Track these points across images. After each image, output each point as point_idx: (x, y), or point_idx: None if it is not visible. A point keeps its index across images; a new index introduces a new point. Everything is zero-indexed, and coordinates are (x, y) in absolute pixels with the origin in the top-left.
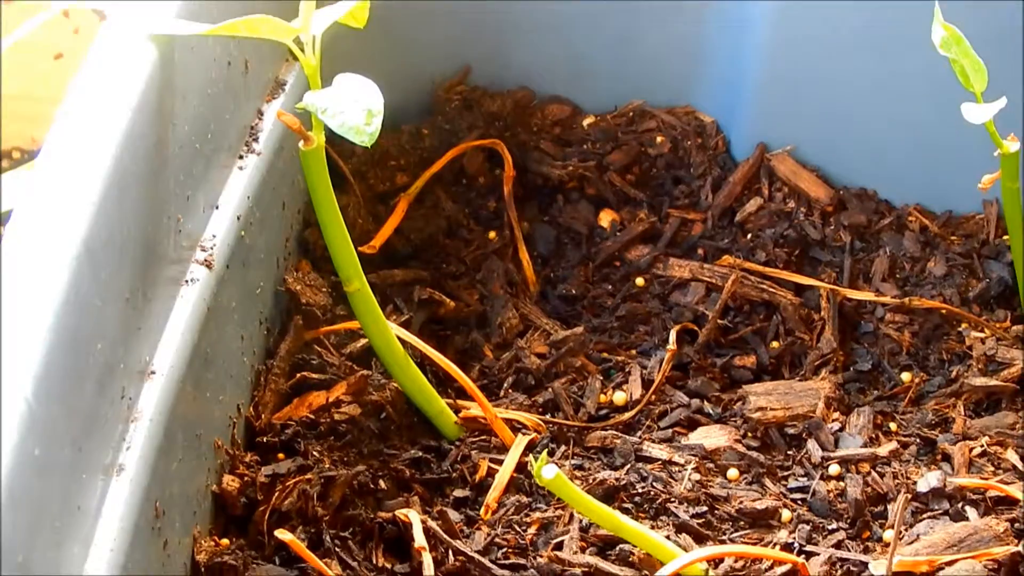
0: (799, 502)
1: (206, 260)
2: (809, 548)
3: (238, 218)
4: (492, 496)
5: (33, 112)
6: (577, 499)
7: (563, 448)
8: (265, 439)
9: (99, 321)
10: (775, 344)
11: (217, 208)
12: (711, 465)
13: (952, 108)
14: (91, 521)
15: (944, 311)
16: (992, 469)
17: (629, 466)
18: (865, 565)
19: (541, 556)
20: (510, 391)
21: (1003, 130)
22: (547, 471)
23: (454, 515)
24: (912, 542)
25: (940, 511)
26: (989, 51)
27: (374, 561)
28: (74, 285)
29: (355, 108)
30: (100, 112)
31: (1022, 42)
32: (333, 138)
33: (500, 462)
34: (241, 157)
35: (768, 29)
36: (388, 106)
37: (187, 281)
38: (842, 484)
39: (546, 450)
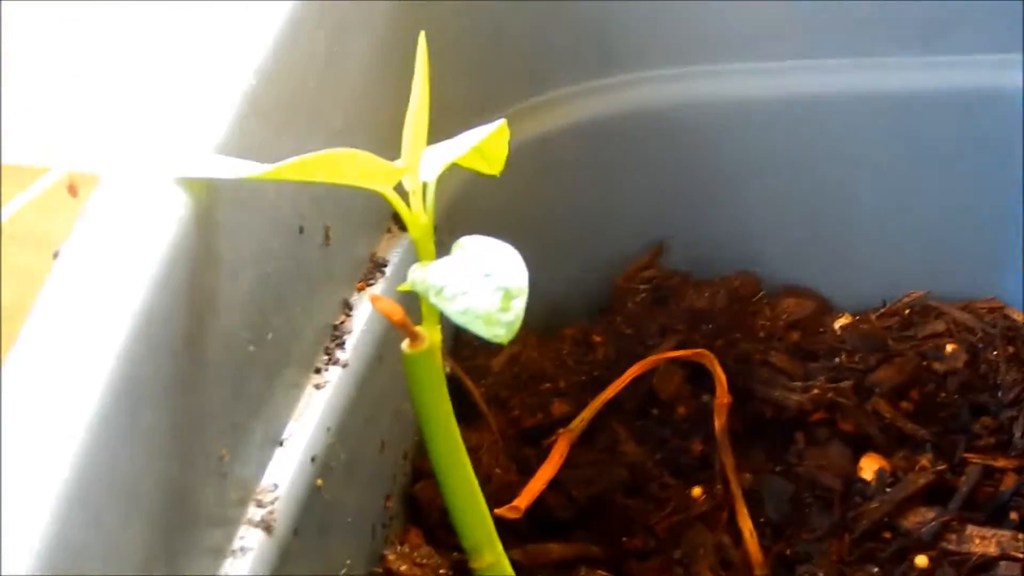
0: None
1: (264, 520)
2: None
3: (312, 459)
4: None
5: None
6: None
7: None
8: None
9: None
10: None
11: (281, 445)
12: None
13: None
14: None
15: None
16: None
17: None
18: None
19: None
20: None
21: None
22: None
23: None
24: None
25: None
26: None
27: None
28: (58, 541)
29: (486, 287)
30: (96, 288)
31: None
32: (458, 346)
33: None
34: (318, 371)
35: None
36: (541, 297)
37: (235, 551)
38: None
39: None
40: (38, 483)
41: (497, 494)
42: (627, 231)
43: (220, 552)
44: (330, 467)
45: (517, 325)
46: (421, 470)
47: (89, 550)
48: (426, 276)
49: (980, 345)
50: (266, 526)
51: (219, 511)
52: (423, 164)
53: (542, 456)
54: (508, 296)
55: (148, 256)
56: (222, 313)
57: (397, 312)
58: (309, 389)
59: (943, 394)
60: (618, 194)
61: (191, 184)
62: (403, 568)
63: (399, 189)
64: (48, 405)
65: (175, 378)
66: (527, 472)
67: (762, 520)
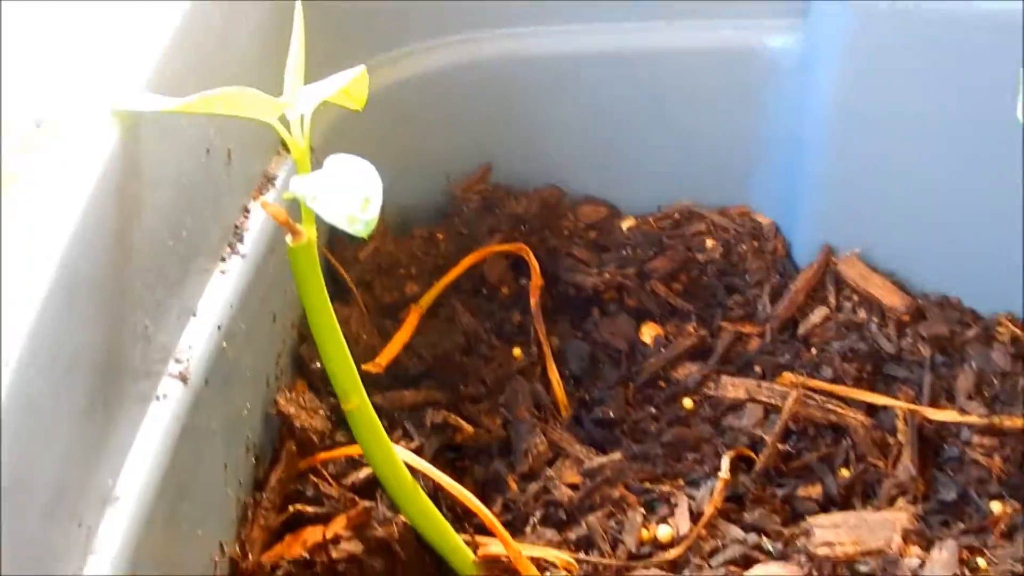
0: None
1: (181, 374)
2: None
3: (219, 328)
4: None
5: None
6: None
7: None
8: None
9: (49, 436)
10: (844, 472)
11: (195, 316)
12: None
13: None
14: None
15: None
16: None
17: None
18: None
19: None
20: (538, 526)
21: None
22: None
23: None
24: None
25: None
26: None
27: None
28: (17, 395)
29: (349, 194)
30: (46, 195)
31: None
32: (334, 243)
33: None
34: (223, 260)
35: (831, 118)
36: (398, 206)
37: (158, 397)
38: None
39: None
40: (4, 346)
41: (363, 354)
42: (463, 155)
43: (146, 398)
44: (233, 333)
45: (374, 223)
46: (305, 335)
47: (42, 394)
48: (303, 186)
49: (732, 241)
50: (182, 378)
51: (144, 367)
52: (301, 100)
53: (398, 325)
54: (366, 201)
55: (87, 172)
56: (146, 216)
57: (282, 214)
58: (216, 274)
59: (705, 278)
60: (457, 127)
61: (121, 114)
62: (291, 410)
63: (284, 120)
64: (8, 288)
65: (108, 266)
66: (386, 338)
67: (567, 373)
